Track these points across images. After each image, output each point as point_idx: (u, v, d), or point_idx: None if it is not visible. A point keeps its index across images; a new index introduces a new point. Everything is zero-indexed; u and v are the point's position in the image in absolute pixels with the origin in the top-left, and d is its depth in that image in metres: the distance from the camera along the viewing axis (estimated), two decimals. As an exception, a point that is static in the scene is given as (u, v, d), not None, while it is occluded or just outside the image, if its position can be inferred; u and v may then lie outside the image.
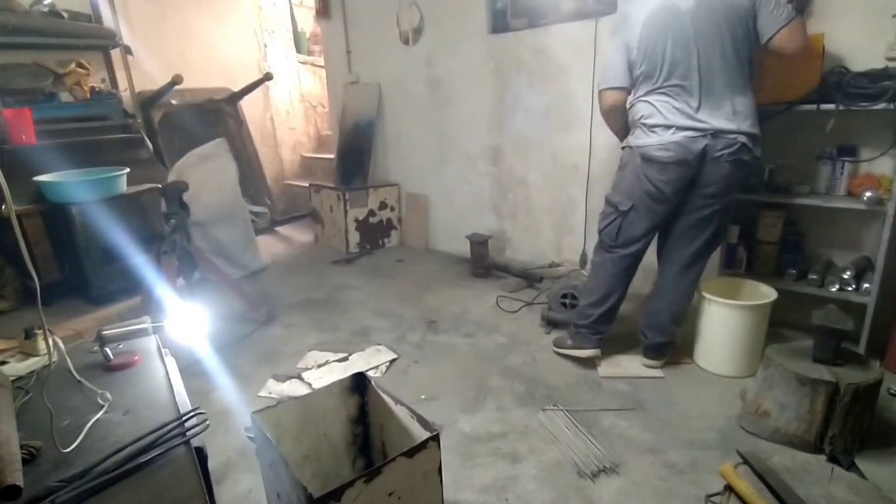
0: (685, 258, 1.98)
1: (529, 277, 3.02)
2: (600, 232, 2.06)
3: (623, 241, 1.99)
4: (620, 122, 2.02)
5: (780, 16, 1.69)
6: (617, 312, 2.12)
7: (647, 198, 1.88)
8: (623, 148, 1.98)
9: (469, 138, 3.43)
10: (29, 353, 1.23)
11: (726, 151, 1.76)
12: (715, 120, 1.76)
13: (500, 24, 3.11)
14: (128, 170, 3.05)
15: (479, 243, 3.21)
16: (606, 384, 2.00)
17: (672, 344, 2.09)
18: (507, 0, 3.05)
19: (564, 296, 2.44)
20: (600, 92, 1.96)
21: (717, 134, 1.75)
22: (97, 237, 2.86)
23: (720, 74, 1.75)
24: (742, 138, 1.75)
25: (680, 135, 1.77)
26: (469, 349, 2.34)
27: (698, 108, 1.77)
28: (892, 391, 1.82)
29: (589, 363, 2.14)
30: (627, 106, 1.96)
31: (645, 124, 1.84)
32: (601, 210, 2.09)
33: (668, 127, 1.79)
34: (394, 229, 4.04)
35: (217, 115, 4.36)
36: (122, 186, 3.03)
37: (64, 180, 2.87)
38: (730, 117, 1.76)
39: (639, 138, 1.87)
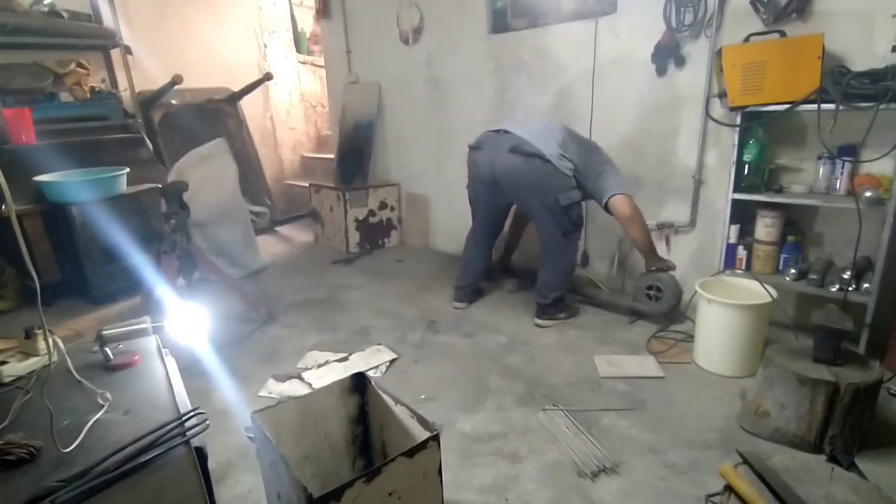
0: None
1: (532, 278, 3.01)
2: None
3: None
4: None
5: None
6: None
7: None
8: None
9: (469, 138, 3.40)
10: (29, 353, 1.23)
11: None
12: None
13: (500, 24, 3.11)
14: (128, 169, 3.05)
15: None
16: (606, 384, 2.00)
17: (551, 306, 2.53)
18: (507, 0, 3.05)
19: (650, 287, 2.47)
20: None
21: None
22: (97, 237, 2.85)
23: None
24: None
25: None
26: (469, 349, 2.34)
27: None
28: (892, 391, 1.82)
29: (589, 363, 2.14)
30: None
31: None
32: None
33: None
34: (394, 229, 4.04)
35: (217, 115, 4.36)
36: (122, 186, 3.03)
37: (64, 180, 2.87)
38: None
39: None
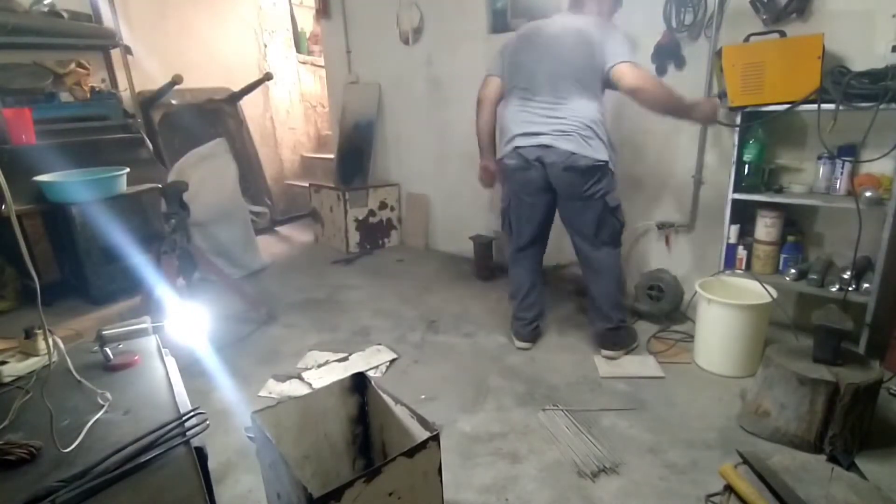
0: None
1: None
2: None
3: None
4: None
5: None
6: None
7: None
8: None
9: (469, 138, 3.40)
10: (29, 353, 1.23)
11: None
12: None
13: (500, 23, 3.11)
14: (128, 170, 3.04)
15: (482, 244, 3.21)
16: (606, 384, 2.00)
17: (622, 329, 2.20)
18: (506, 0, 3.05)
19: (651, 288, 2.46)
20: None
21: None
22: (97, 237, 2.85)
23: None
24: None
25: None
26: (469, 349, 2.33)
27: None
28: (892, 391, 1.82)
29: (589, 363, 2.14)
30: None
31: None
32: None
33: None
34: (394, 229, 4.04)
35: (217, 115, 4.36)
36: (123, 186, 3.03)
37: (64, 180, 2.87)
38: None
39: None
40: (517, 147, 2.05)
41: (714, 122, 2.13)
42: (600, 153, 1.95)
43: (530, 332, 2.31)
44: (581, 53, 1.96)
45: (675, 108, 1.99)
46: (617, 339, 2.17)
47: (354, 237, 3.83)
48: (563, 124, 1.96)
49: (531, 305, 2.30)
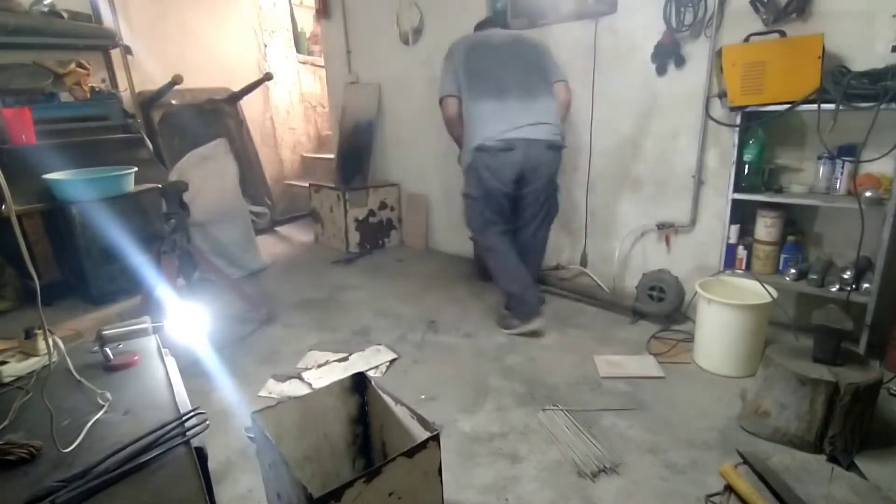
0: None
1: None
2: None
3: None
4: None
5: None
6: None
7: None
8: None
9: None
10: (29, 353, 1.23)
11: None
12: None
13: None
14: (136, 169, 3.05)
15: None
16: (606, 384, 2.00)
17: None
18: (507, 0, 3.05)
19: (652, 288, 2.46)
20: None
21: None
22: (97, 237, 2.85)
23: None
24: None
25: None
26: (469, 349, 2.33)
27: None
28: (892, 391, 1.82)
29: (589, 363, 2.15)
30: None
31: None
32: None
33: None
34: (394, 229, 4.04)
35: (217, 115, 4.36)
36: (130, 185, 3.04)
37: (73, 178, 2.88)
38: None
39: None
40: (500, 136, 2.25)
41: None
42: (563, 139, 2.38)
43: (540, 306, 2.47)
44: (536, 55, 2.39)
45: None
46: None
47: (354, 237, 3.83)
48: (540, 116, 2.29)
49: (528, 276, 2.45)
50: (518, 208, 2.44)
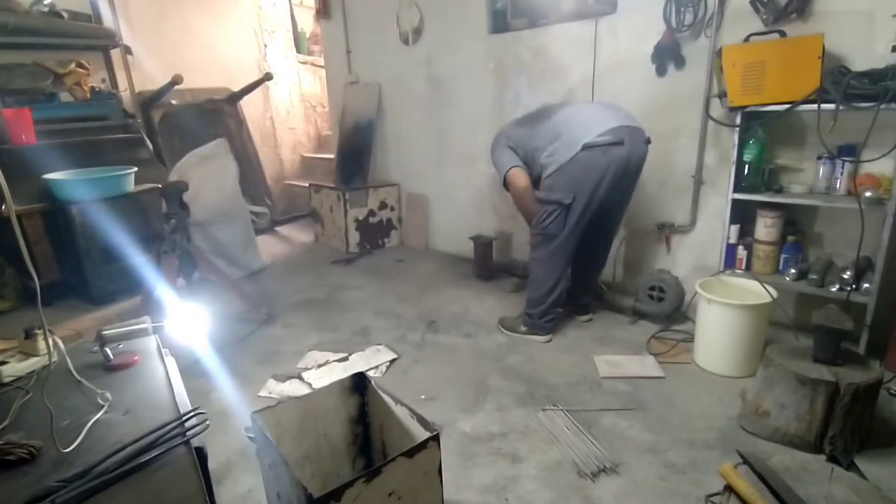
0: None
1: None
2: None
3: None
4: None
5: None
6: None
7: None
8: None
9: (469, 138, 3.43)
10: (29, 353, 1.23)
11: None
12: None
13: (500, 24, 3.11)
14: (136, 169, 3.05)
15: (483, 244, 3.21)
16: (606, 384, 2.00)
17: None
18: (507, 0, 3.05)
19: (652, 288, 2.47)
20: None
21: None
22: (97, 237, 2.85)
23: None
24: None
25: None
26: (469, 349, 2.33)
27: None
28: (892, 391, 1.82)
29: (589, 363, 2.15)
30: None
31: None
32: None
33: None
34: (394, 229, 4.04)
35: (217, 115, 4.36)
36: (131, 185, 3.04)
37: (75, 178, 2.88)
38: None
39: None
40: (607, 128, 2.10)
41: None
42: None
43: (554, 324, 2.44)
44: None
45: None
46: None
47: (354, 237, 3.83)
48: (625, 112, 2.23)
49: (561, 294, 2.38)
50: (600, 215, 2.25)
